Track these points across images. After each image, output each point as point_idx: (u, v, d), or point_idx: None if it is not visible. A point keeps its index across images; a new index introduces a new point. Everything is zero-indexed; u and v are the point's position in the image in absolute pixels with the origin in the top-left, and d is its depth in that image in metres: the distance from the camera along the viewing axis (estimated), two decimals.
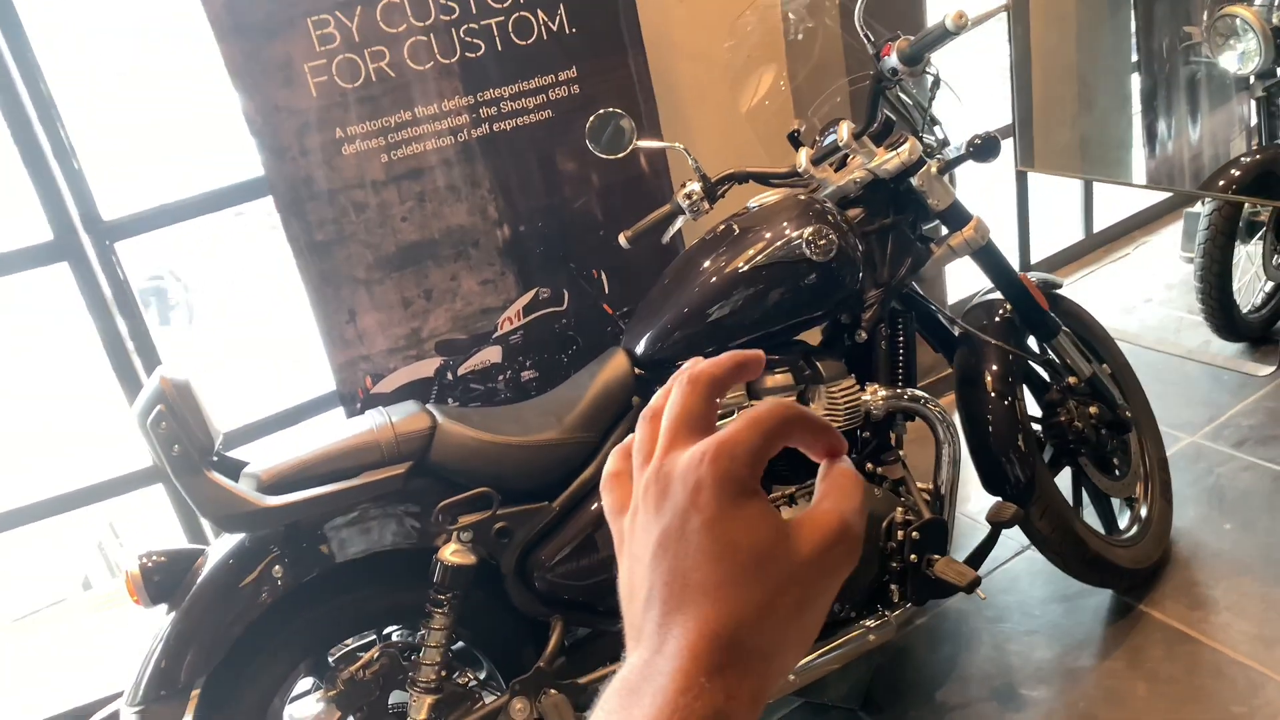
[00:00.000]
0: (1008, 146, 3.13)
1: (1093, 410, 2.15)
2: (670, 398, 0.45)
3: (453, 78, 2.27)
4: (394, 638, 1.91)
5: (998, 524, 1.93)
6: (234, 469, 1.75)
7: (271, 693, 1.76)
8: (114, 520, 4.53)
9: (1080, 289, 3.65)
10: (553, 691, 1.75)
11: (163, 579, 1.69)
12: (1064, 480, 2.22)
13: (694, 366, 0.46)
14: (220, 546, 1.73)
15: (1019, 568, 2.41)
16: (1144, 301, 3.46)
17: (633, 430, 0.47)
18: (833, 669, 1.95)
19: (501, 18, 2.26)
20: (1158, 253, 3.77)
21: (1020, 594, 2.34)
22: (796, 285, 1.87)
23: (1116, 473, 2.26)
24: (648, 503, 0.42)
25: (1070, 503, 2.20)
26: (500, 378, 2.50)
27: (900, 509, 1.91)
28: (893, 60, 1.79)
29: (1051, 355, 2.19)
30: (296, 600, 1.73)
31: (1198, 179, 2.98)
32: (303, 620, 1.75)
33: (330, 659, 1.84)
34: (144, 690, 1.64)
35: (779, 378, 1.90)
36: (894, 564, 1.90)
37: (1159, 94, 2.97)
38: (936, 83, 1.97)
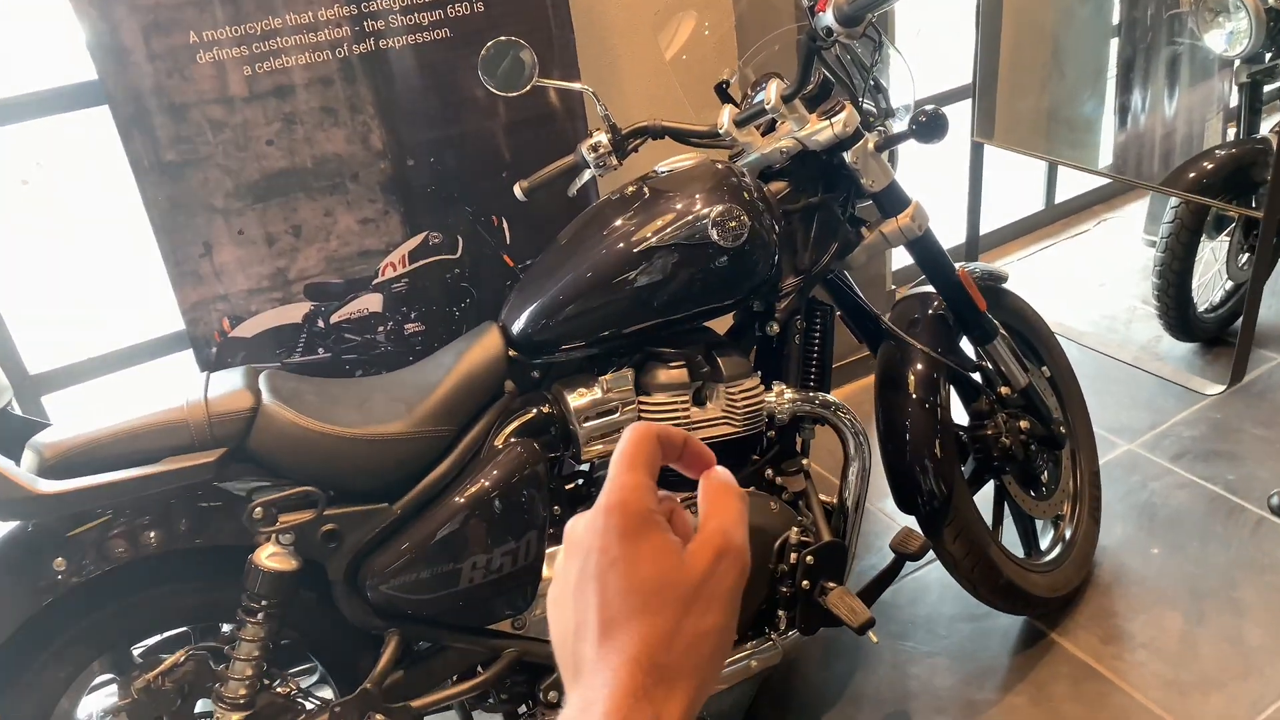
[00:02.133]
0: (963, 112, 2.87)
1: (1023, 424, 1.95)
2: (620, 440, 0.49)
3: None
4: (221, 630, 1.68)
5: (902, 554, 1.73)
6: (22, 433, 1.48)
7: (57, 693, 1.52)
8: None
9: (1034, 264, 3.44)
10: (378, 717, 1.54)
11: None
12: (987, 494, 2.03)
13: (624, 450, 0.48)
14: (2, 526, 1.47)
15: (931, 576, 2.24)
16: (1098, 285, 3.26)
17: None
18: (723, 687, 1.77)
19: None
20: (1119, 231, 3.56)
21: (928, 608, 2.17)
22: (702, 270, 1.61)
23: (1043, 491, 2.07)
24: (569, 555, 0.47)
25: (990, 521, 2.02)
26: (380, 329, 2.23)
27: (796, 529, 1.70)
28: (828, 18, 1.51)
29: (986, 361, 1.97)
30: (87, 594, 1.48)
31: (1168, 165, 2.74)
32: (93, 617, 1.50)
33: (134, 653, 1.61)
34: None
35: (673, 373, 1.66)
36: (784, 589, 1.70)
37: (1136, 68, 2.71)
38: (880, 46, 1.69)
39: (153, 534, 1.46)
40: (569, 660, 0.45)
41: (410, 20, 2.01)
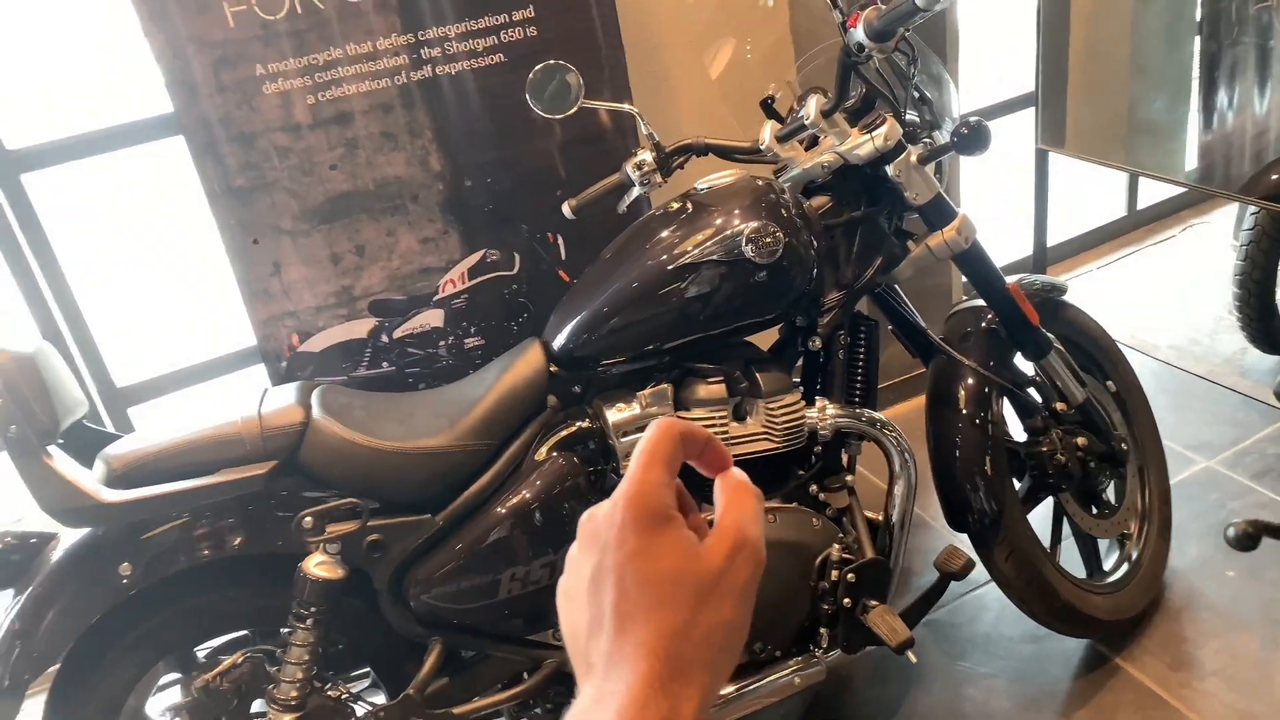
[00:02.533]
0: (1022, 122, 2.79)
1: (1080, 441, 1.89)
2: (644, 434, 0.49)
3: (389, 13, 2.01)
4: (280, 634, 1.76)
5: (946, 574, 1.70)
6: (97, 445, 1.58)
7: (125, 691, 1.62)
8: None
9: (1114, 274, 3.33)
10: None
11: (7, 564, 1.55)
12: (1045, 512, 1.98)
13: (647, 445, 0.49)
14: (72, 534, 1.57)
15: (990, 595, 2.18)
16: (1179, 295, 3.13)
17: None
18: (753, 709, 1.76)
19: None
20: (1209, 238, 3.41)
21: (986, 628, 2.12)
22: (739, 285, 1.62)
23: (1106, 509, 2.01)
24: (583, 548, 0.48)
25: (1048, 540, 1.96)
26: (442, 343, 2.30)
27: (838, 545, 1.69)
28: (859, 34, 1.51)
29: (1041, 376, 1.92)
30: (151, 597, 1.57)
31: (1257, 167, 2.61)
32: (157, 619, 1.60)
33: (199, 655, 1.70)
34: None
35: (711, 388, 1.67)
36: (825, 606, 1.69)
37: (1221, 67, 2.60)
38: (915, 60, 1.67)
39: (210, 541, 1.54)
40: (581, 652, 0.46)
41: (466, 47, 2.08)
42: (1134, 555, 2.05)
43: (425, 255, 2.22)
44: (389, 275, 2.21)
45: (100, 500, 1.45)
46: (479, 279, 2.28)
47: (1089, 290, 3.19)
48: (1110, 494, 2.05)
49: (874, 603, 1.67)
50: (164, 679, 1.71)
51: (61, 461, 1.48)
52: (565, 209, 1.86)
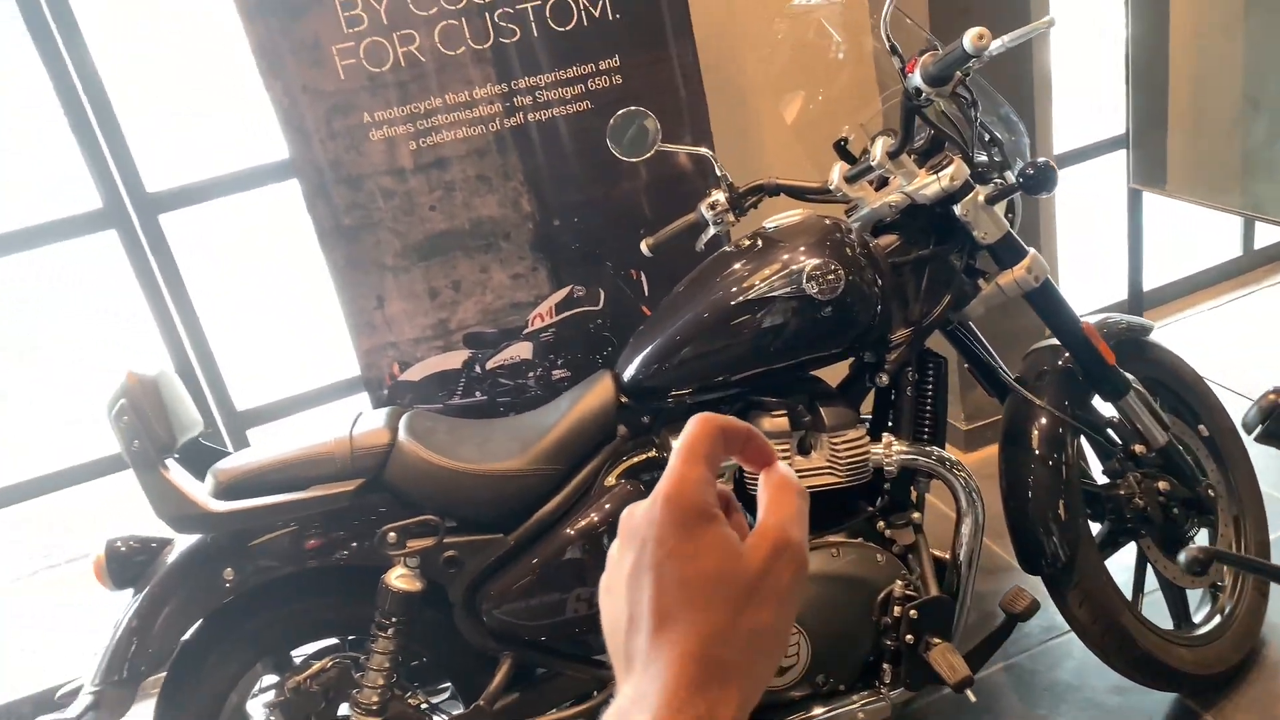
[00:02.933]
0: (1111, 162, 2.73)
1: (1162, 485, 1.84)
2: (684, 430, 0.48)
3: (485, 64, 2.16)
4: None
5: (1011, 615, 1.68)
6: (208, 461, 1.74)
7: (227, 689, 1.76)
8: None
9: (1225, 315, 3.19)
10: None
11: (128, 565, 1.71)
12: (1127, 559, 1.93)
13: (687, 441, 0.48)
14: (184, 540, 1.73)
15: (1074, 643, 2.10)
16: None
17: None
18: None
19: (539, 1, 2.13)
20: None
21: (1068, 675, 2.06)
22: (805, 320, 1.67)
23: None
24: (624, 546, 0.47)
25: (1131, 588, 1.91)
26: (530, 374, 2.41)
27: (901, 582, 1.70)
28: (916, 79, 1.54)
29: (1120, 418, 1.88)
30: (255, 599, 1.71)
31: None
32: (257, 622, 1.73)
33: (295, 659, 1.83)
34: (102, 673, 1.67)
35: (776, 421, 1.71)
36: (888, 642, 1.70)
37: None
38: (975, 104, 1.69)
39: (303, 551, 1.67)
40: (620, 651, 0.45)
41: (555, 95, 2.20)
42: (1227, 609, 1.97)
43: (516, 290, 2.34)
44: (482, 309, 2.34)
45: (207, 510, 1.60)
46: (566, 314, 2.39)
47: (1194, 333, 3.08)
48: (1201, 543, 1.98)
49: (937, 640, 1.67)
50: (265, 680, 1.85)
51: (176, 474, 1.64)
52: (643, 247, 1.95)
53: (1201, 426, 2.02)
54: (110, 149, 2.21)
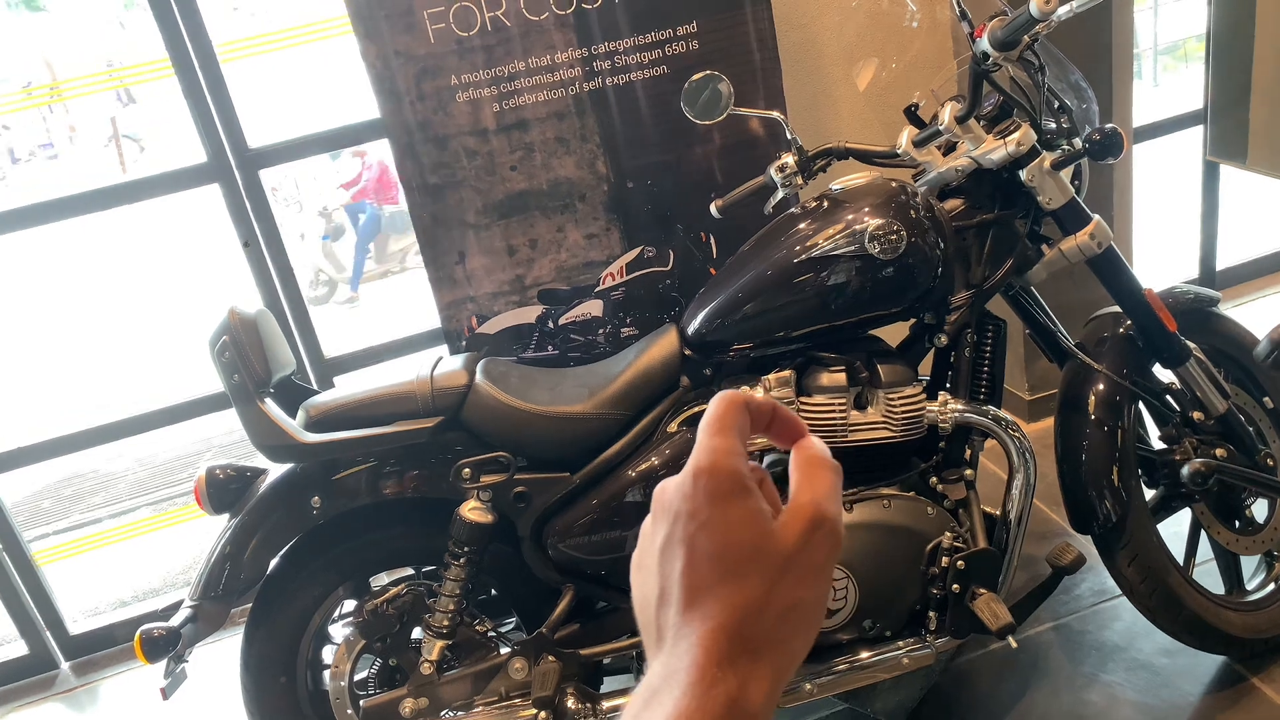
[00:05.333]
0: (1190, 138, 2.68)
1: (1219, 452, 1.85)
2: (707, 409, 0.48)
3: (567, 29, 2.24)
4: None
5: (1057, 568, 1.73)
6: (299, 398, 1.88)
7: (311, 610, 1.90)
8: None
9: None
10: (549, 658, 1.78)
11: (228, 490, 1.86)
12: (1180, 525, 1.95)
13: (713, 416, 0.48)
14: (276, 470, 1.87)
15: (1124, 607, 2.15)
16: None
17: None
18: (868, 682, 1.85)
19: None
20: None
21: (1116, 637, 2.10)
22: (863, 280, 1.73)
23: (1249, 525, 1.95)
24: (656, 519, 0.46)
25: (1183, 552, 1.94)
26: (600, 331, 2.51)
27: (950, 534, 1.75)
28: (984, 43, 1.58)
29: (1179, 385, 1.90)
30: (339, 527, 1.85)
31: None
32: (343, 547, 1.87)
33: (371, 584, 1.96)
34: (200, 589, 1.83)
35: (834, 376, 1.78)
36: (934, 590, 1.76)
37: None
38: (1042, 69, 1.71)
39: (385, 483, 1.80)
40: (651, 626, 0.44)
41: (633, 59, 2.28)
42: None
43: (589, 250, 2.44)
44: (557, 267, 2.44)
45: (300, 441, 1.73)
46: (636, 273, 2.48)
47: (1266, 313, 3.02)
48: (1261, 511, 1.99)
49: (982, 591, 1.73)
50: (345, 606, 1.99)
51: (271, 407, 1.77)
52: (712, 208, 2.02)
53: (1267, 399, 2.02)
54: (217, 107, 2.35)
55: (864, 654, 1.80)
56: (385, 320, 5.97)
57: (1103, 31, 2.40)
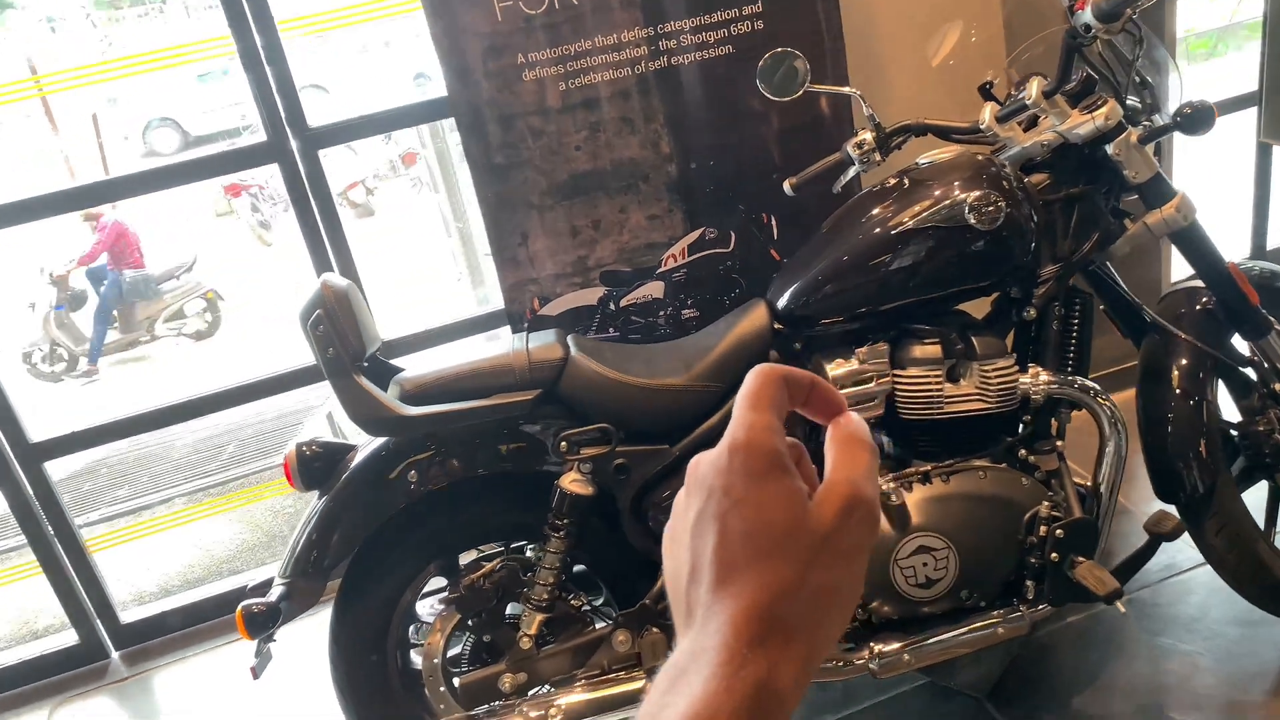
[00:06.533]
0: (1242, 117, 2.74)
1: None
2: (743, 384, 0.47)
3: (634, 8, 2.24)
4: (526, 552, 1.99)
5: (1156, 535, 1.75)
6: (387, 374, 1.86)
7: (403, 586, 1.89)
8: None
9: None
10: (654, 630, 1.78)
11: (317, 467, 1.84)
12: (1260, 496, 1.98)
13: (749, 389, 0.47)
14: (368, 445, 1.86)
15: (1197, 580, 2.19)
16: None
17: None
18: (961, 653, 1.86)
19: None
20: None
21: (1192, 609, 2.13)
22: (958, 252, 1.74)
23: None
24: (690, 494, 0.45)
25: (1262, 522, 1.97)
26: (661, 313, 2.50)
27: (1047, 503, 1.77)
28: (1087, 15, 1.60)
29: (1258, 357, 1.93)
30: (431, 504, 1.84)
31: None
32: (435, 524, 1.86)
33: (461, 563, 1.95)
34: (292, 566, 1.81)
35: (928, 349, 1.79)
36: (1033, 560, 1.78)
37: None
38: (1141, 42, 1.74)
39: (482, 457, 1.79)
40: (681, 602, 0.43)
41: (699, 39, 2.28)
42: None
43: (652, 231, 2.44)
44: (619, 248, 2.44)
45: (401, 413, 1.72)
46: (697, 255, 2.48)
47: None
48: None
49: (1081, 559, 1.75)
50: (432, 583, 1.98)
51: (367, 381, 1.76)
52: (786, 186, 2.03)
53: None
54: (278, 86, 2.33)
55: (960, 625, 1.82)
56: (126, 398, 5.76)
57: (1162, 12, 2.44)
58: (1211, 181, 4.07)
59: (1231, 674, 1.95)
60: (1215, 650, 2.01)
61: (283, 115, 2.36)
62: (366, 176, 9.63)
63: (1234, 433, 1.95)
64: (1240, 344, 1.96)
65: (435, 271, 6.40)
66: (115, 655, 2.70)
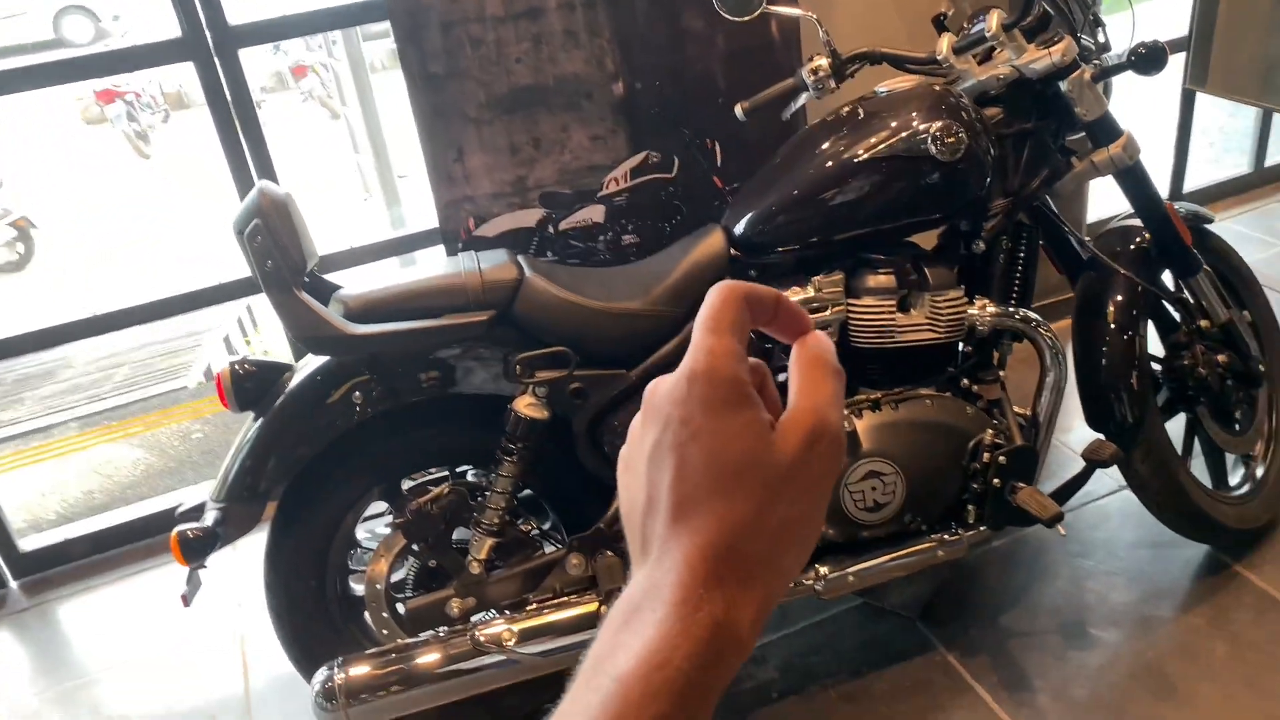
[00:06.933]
0: (1177, 61, 2.83)
1: (1221, 358, 1.99)
2: (705, 302, 0.43)
3: None
4: (468, 477, 1.95)
5: (1093, 462, 1.82)
6: (326, 291, 1.76)
7: (344, 510, 1.82)
8: (244, 317, 4.71)
9: (1236, 226, 3.36)
10: (609, 554, 1.77)
11: (252, 387, 1.74)
12: (1176, 426, 2.08)
13: (708, 311, 0.43)
14: (306, 365, 1.77)
15: (1112, 506, 2.31)
16: None
17: None
18: (896, 577, 1.91)
19: None
20: None
21: (1108, 533, 2.24)
22: (916, 183, 1.74)
23: (1236, 427, 2.11)
24: (646, 423, 0.42)
25: (1179, 451, 2.07)
26: (601, 238, 2.45)
27: (990, 431, 1.82)
28: None
29: (1186, 294, 2.02)
30: (374, 427, 1.76)
31: None
32: (379, 447, 1.79)
33: (404, 487, 1.89)
34: (228, 489, 1.72)
35: (881, 278, 1.80)
36: (975, 485, 1.83)
37: None
38: None
39: (432, 379, 1.72)
40: (637, 533, 0.41)
41: None
42: (1259, 473, 2.15)
43: (594, 152, 2.37)
44: (560, 169, 2.36)
45: (348, 332, 1.63)
46: (640, 179, 2.43)
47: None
48: (1238, 414, 2.15)
49: (1022, 485, 1.81)
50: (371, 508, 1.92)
51: (308, 297, 1.66)
52: (738, 110, 1.98)
53: (1245, 312, 2.17)
54: None
55: (901, 548, 1.86)
56: None
57: None
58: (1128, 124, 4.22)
59: (1145, 591, 2.07)
60: (1130, 570, 2.13)
61: (199, 10, 2.18)
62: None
63: (1157, 367, 2.04)
64: (1168, 282, 2.05)
65: (338, 191, 6.15)
66: (14, 584, 2.54)
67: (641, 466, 0.41)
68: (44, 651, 2.39)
